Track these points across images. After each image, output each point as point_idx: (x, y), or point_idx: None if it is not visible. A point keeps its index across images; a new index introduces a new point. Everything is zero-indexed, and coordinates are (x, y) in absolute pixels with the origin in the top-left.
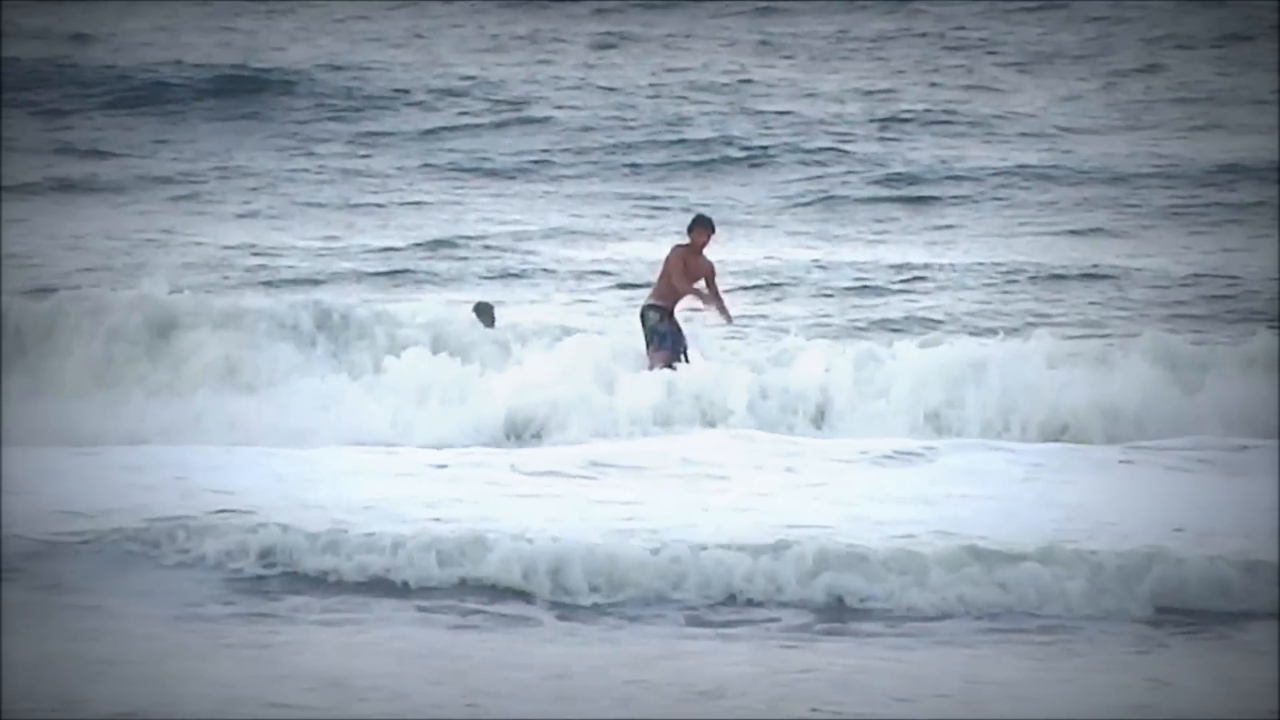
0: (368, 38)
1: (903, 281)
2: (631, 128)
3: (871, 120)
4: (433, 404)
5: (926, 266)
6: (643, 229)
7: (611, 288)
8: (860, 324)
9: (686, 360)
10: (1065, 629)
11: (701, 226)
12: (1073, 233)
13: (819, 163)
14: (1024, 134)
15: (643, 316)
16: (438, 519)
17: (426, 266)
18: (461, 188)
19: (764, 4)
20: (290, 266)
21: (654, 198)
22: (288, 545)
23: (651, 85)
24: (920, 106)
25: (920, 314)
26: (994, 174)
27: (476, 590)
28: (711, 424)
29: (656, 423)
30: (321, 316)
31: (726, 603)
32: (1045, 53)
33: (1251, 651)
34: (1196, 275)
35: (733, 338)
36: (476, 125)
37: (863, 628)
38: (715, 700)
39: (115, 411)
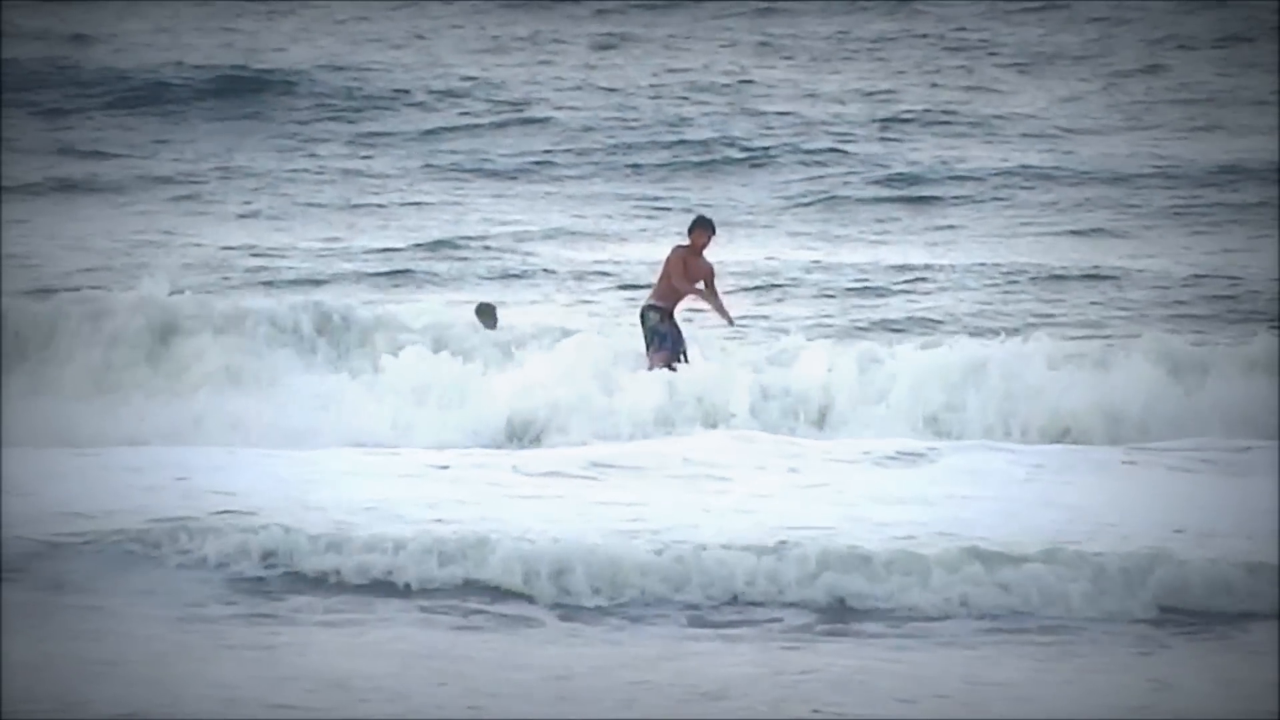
0: (368, 38)
1: (904, 282)
2: (632, 128)
3: (872, 121)
4: (433, 405)
5: (927, 267)
6: (644, 230)
7: (612, 288)
8: (861, 324)
9: (686, 361)
10: (1067, 630)
11: (702, 227)
12: (1074, 233)
13: (820, 163)
14: (1025, 134)
15: (643, 317)
16: (440, 520)
17: (427, 267)
18: (462, 188)
19: (765, 4)
20: (291, 267)
21: (655, 198)
22: (289, 546)
23: (652, 86)
24: (921, 107)
25: (921, 315)
26: (995, 174)
27: (479, 591)
28: (713, 425)
29: (658, 424)
30: (322, 318)
31: (728, 604)
32: (1046, 53)
33: (1254, 653)
34: (1197, 276)
35: (734, 338)
36: (477, 126)
37: (864, 629)
38: (717, 701)
39: (115, 413)
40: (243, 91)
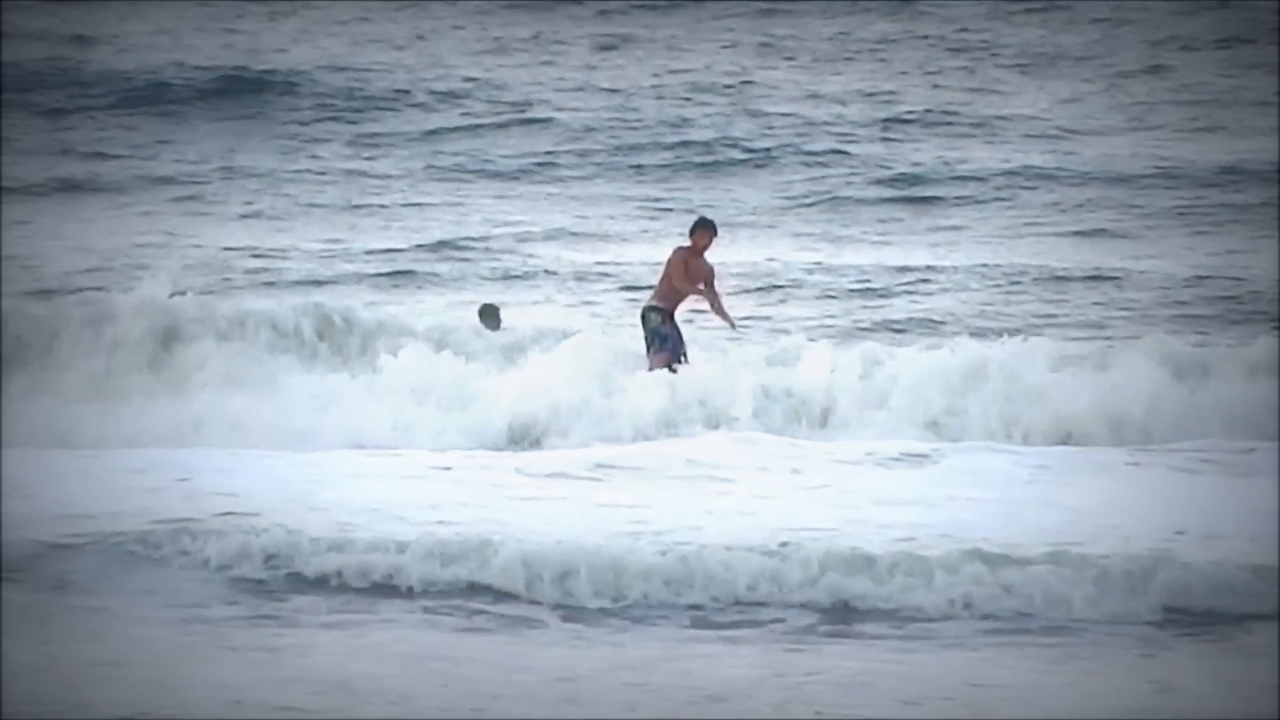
0: (370, 39)
1: (906, 283)
2: (634, 129)
3: (874, 122)
4: (435, 407)
5: (929, 268)
6: (645, 230)
7: (614, 289)
8: (864, 325)
9: (686, 362)
10: (1069, 631)
11: (704, 229)
12: (1076, 234)
13: (822, 164)
14: (1027, 135)
15: (644, 318)
16: (442, 521)
17: (429, 268)
18: (464, 189)
19: (766, 5)
20: (292, 268)
21: (657, 199)
22: (292, 548)
23: (654, 87)
24: (923, 108)
25: (924, 315)
26: (997, 175)
27: (481, 593)
28: (715, 426)
29: (660, 425)
30: (323, 320)
31: (731, 605)
32: (1048, 54)
33: (1257, 654)
34: (1199, 277)
35: (736, 339)
36: (479, 126)
37: (867, 630)
38: (720, 703)
39: (116, 415)
40: (244, 92)
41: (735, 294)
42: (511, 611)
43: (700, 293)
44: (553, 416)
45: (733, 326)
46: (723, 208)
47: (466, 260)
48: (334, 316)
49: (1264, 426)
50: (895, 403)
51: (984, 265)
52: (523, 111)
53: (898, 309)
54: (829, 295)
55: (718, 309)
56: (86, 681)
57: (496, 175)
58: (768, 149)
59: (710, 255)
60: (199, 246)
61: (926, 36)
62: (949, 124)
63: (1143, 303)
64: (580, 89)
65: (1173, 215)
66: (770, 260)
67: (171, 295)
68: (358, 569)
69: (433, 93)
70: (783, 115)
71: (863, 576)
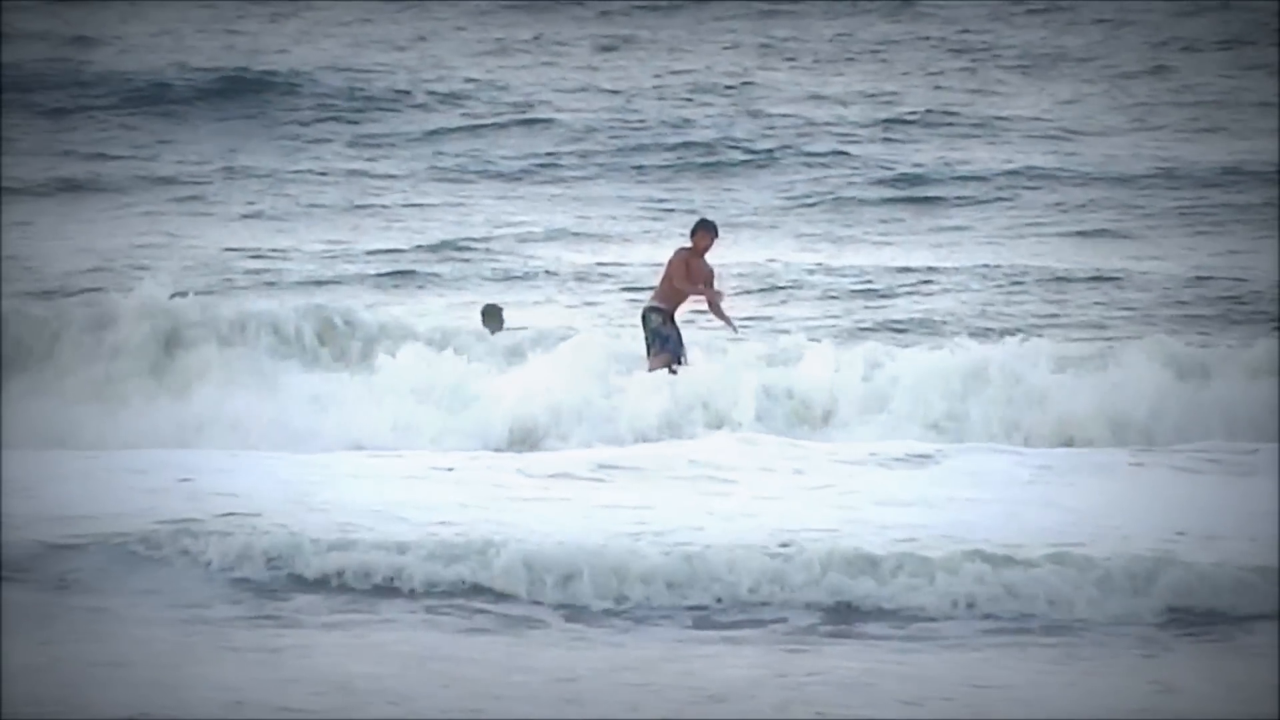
0: (371, 40)
1: (907, 284)
2: (636, 130)
3: (876, 122)
4: (435, 407)
5: (931, 269)
6: (647, 231)
7: (616, 290)
8: (866, 325)
9: (686, 363)
10: (1071, 632)
11: (705, 230)
12: (1078, 234)
13: (823, 165)
14: (1028, 136)
15: (644, 319)
16: (444, 522)
17: (430, 269)
18: (465, 190)
19: (768, 6)
20: (294, 269)
21: (658, 200)
22: (294, 548)
23: (656, 88)
24: (924, 109)
25: (925, 316)
26: (999, 176)
27: (483, 594)
28: (717, 427)
29: (662, 426)
30: (325, 324)
31: (733, 606)
32: (1049, 55)
33: (1259, 656)
34: (1201, 277)
35: (738, 340)
36: (480, 127)
37: (869, 631)
38: (722, 703)
39: (116, 416)
40: (246, 93)
41: (737, 294)
42: (513, 612)
43: (701, 293)
44: (554, 418)
45: (734, 329)
46: (724, 208)
47: (468, 261)
48: (335, 319)
49: (1265, 427)
50: (897, 403)
51: (985, 266)
52: (524, 112)
53: (899, 309)
54: (830, 296)
55: (718, 311)
56: (87, 682)
57: (498, 176)
58: (769, 150)
59: (711, 256)
60: (200, 247)
61: (928, 38)
62: (950, 125)
63: (1144, 303)
64: (582, 90)
65: (1174, 216)
66: (772, 261)
67: (172, 296)
68: (360, 569)
69: (434, 93)
70: (784, 116)
71: (865, 577)
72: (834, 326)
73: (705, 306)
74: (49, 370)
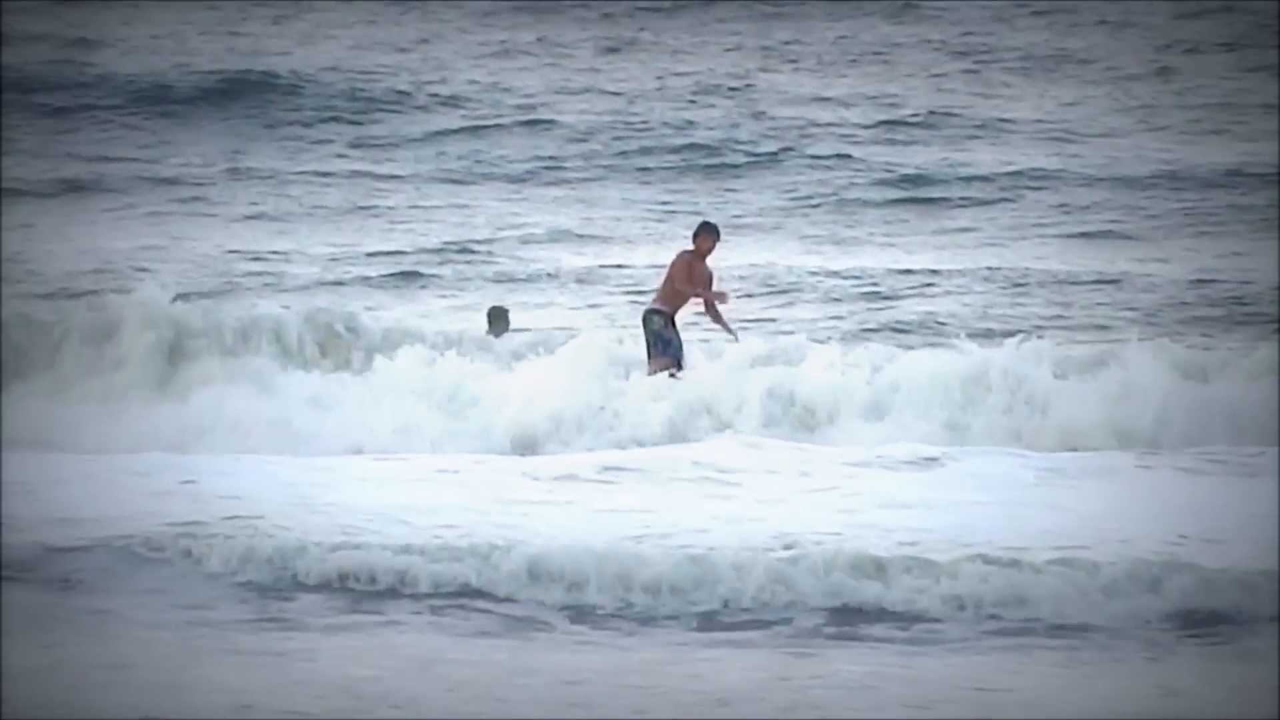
0: (374, 42)
1: (911, 285)
2: (639, 132)
3: (879, 124)
4: (438, 410)
5: (935, 271)
6: (651, 233)
7: (619, 291)
8: (869, 327)
9: (685, 367)
10: (1076, 635)
11: (707, 233)
12: (1081, 236)
13: (827, 167)
14: (1032, 138)
15: (646, 321)
16: (449, 525)
17: (433, 270)
18: (469, 192)
19: (770, 9)
20: (296, 271)
21: (662, 202)
22: (298, 551)
23: (659, 90)
24: (927, 110)
25: (929, 318)
26: (1002, 177)
27: (488, 596)
28: (721, 430)
29: (666, 429)
30: (327, 329)
31: (738, 609)
32: (1052, 57)
33: (1263, 658)
34: (1205, 279)
35: (741, 342)
36: (483, 129)
37: (874, 633)
38: (727, 706)
39: (118, 419)
40: (248, 94)
41: (740, 297)
42: (518, 615)
43: (704, 294)
44: (556, 421)
45: (731, 334)
46: (727, 210)
47: (471, 263)
48: (338, 327)
49: (1269, 430)
50: (901, 405)
51: (989, 267)
52: (527, 114)
53: (903, 311)
54: (834, 298)
55: (715, 315)
56: (90, 685)
57: (501, 178)
58: (772, 152)
59: (714, 258)
60: (202, 249)
61: (930, 40)
62: (953, 126)
63: (1147, 305)
64: (585, 91)
65: (1177, 218)
66: (775, 262)
67: (174, 299)
68: (364, 572)
69: (437, 95)
70: (788, 118)
71: (869, 580)
72: (837, 328)
73: (704, 310)
74: (50, 371)
